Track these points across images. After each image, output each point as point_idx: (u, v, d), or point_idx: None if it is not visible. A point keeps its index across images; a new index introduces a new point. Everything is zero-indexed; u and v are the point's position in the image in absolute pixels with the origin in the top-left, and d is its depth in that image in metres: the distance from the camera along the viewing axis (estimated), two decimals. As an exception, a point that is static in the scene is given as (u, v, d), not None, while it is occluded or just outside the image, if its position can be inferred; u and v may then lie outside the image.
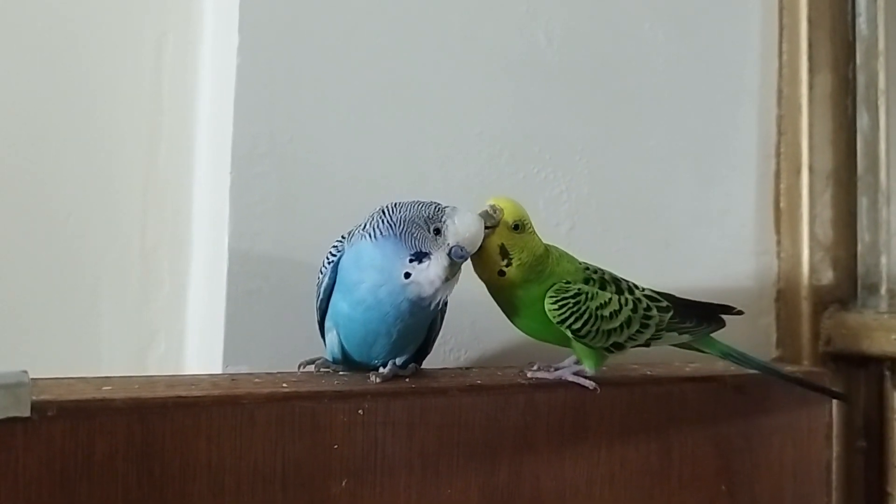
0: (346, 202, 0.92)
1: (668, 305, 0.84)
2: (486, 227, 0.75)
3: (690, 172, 1.17)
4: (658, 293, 0.85)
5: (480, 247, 0.75)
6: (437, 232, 0.72)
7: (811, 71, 1.20)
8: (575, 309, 0.78)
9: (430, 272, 0.71)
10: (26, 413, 0.55)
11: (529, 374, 0.83)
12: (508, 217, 0.76)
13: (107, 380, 0.67)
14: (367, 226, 0.74)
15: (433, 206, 0.74)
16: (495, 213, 0.76)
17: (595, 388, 0.81)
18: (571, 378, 0.82)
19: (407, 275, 0.71)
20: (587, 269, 0.82)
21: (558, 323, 0.78)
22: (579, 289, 0.79)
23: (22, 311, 0.90)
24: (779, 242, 1.22)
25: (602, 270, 0.83)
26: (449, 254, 0.72)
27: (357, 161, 0.94)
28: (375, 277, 0.72)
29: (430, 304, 0.73)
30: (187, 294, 0.97)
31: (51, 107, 0.92)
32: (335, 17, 0.94)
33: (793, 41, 1.22)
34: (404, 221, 0.72)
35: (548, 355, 0.88)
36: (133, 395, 0.61)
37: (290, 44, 0.92)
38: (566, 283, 0.79)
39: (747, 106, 1.22)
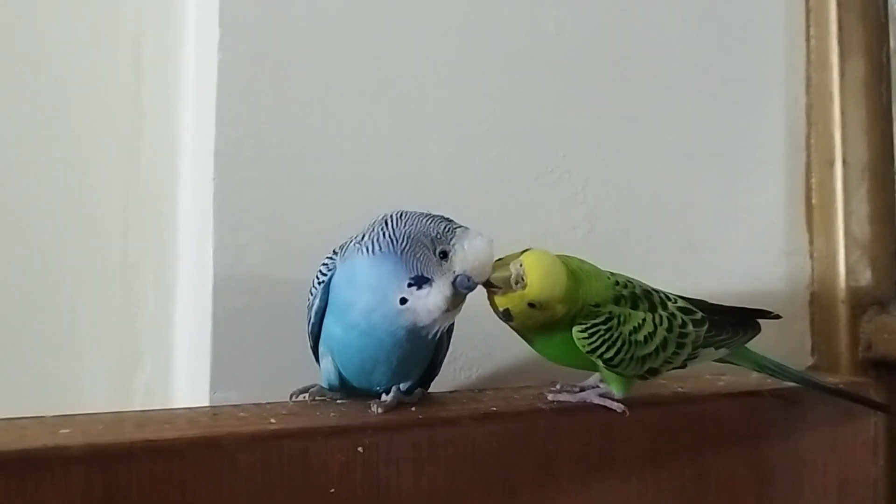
0: (340, 209, 0.84)
1: (702, 317, 0.76)
2: (494, 287, 0.67)
3: (715, 168, 1.08)
4: (690, 301, 0.77)
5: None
6: (444, 255, 0.64)
7: (842, 56, 1.12)
8: (606, 336, 0.69)
9: (429, 301, 0.63)
10: (-38, 468, 0.46)
11: (550, 397, 0.75)
12: (528, 294, 0.66)
13: (68, 419, 0.58)
14: (366, 237, 0.66)
15: (442, 224, 0.65)
16: (517, 283, 0.66)
17: (623, 411, 0.73)
18: (598, 401, 0.74)
19: (403, 300, 0.63)
20: (616, 283, 0.73)
21: (588, 352, 0.70)
22: (610, 312, 0.70)
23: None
24: (811, 241, 1.14)
25: (632, 282, 0.74)
26: (454, 282, 0.64)
27: (353, 163, 0.86)
28: (369, 299, 0.64)
29: (427, 335, 0.65)
30: (174, 312, 0.90)
31: (23, 112, 0.85)
32: (326, 4, 0.86)
33: (821, 24, 1.14)
34: (408, 238, 0.64)
35: (569, 371, 0.79)
36: (94, 439, 0.53)
37: (276, 36, 0.84)
38: (594, 306, 0.70)
39: (774, 95, 1.14)
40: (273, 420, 0.61)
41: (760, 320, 0.81)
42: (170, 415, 0.62)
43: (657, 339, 0.72)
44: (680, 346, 0.74)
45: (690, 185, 1.06)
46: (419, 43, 0.90)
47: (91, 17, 0.88)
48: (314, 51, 0.85)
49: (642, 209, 1.02)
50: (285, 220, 0.83)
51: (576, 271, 0.70)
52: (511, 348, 0.89)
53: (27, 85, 0.85)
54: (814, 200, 1.14)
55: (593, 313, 0.70)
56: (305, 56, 0.85)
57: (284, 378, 0.76)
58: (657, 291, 0.75)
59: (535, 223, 0.95)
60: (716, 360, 0.80)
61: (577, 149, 0.98)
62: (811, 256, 1.14)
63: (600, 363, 0.71)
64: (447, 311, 0.63)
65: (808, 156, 1.15)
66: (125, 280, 0.87)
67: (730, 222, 1.09)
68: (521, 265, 0.66)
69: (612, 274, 0.74)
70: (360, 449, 0.60)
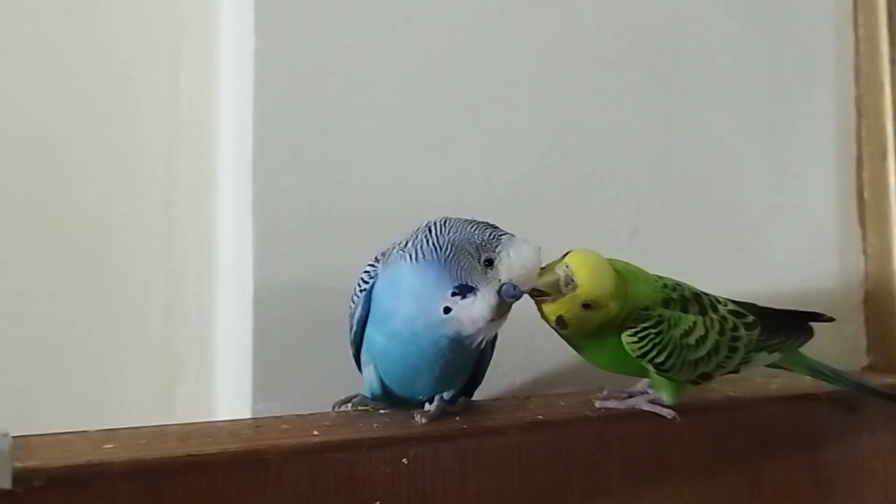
0: (380, 216, 0.83)
1: (754, 321, 0.73)
2: (544, 294, 0.65)
3: (762, 164, 1.05)
4: (741, 305, 0.75)
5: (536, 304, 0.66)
6: (489, 263, 0.62)
7: (892, 45, 1.09)
8: (657, 340, 0.67)
9: (473, 310, 0.61)
10: (6, 485, 0.46)
11: (598, 404, 0.73)
12: (580, 295, 0.64)
13: (111, 434, 0.58)
14: (409, 244, 0.65)
15: (488, 231, 0.64)
16: (567, 285, 0.64)
17: (674, 418, 0.71)
18: (647, 407, 0.72)
19: (447, 309, 0.62)
20: (665, 286, 0.71)
21: (639, 357, 0.68)
22: (660, 315, 0.68)
23: (37, 346, 0.82)
24: (864, 237, 1.11)
25: (680, 285, 0.72)
26: (499, 291, 0.62)
27: (392, 169, 0.85)
28: (411, 308, 0.63)
29: (471, 344, 0.63)
30: (216, 322, 0.89)
31: (63, 124, 0.85)
32: (362, 8, 0.85)
33: (869, 12, 1.10)
34: (452, 246, 0.63)
35: (616, 377, 0.77)
36: (137, 454, 0.52)
37: (313, 43, 0.83)
38: (643, 309, 0.68)
39: (822, 87, 1.10)
40: (316, 432, 0.60)
41: (813, 323, 0.78)
42: (212, 428, 0.61)
43: (709, 343, 0.70)
44: (732, 350, 0.71)
45: (737, 181, 1.03)
46: (457, 45, 0.89)
47: (128, 29, 0.87)
48: (351, 57, 0.84)
49: (688, 207, 0.99)
50: (325, 228, 0.82)
51: (622, 272, 0.68)
52: (555, 353, 0.87)
53: (67, 97, 0.85)
54: (866, 194, 1.10)
55: (643, 317, 0.67)
56: (343, 62, 0.84)
57: (327, 388, 0.74)
58: (707, 294, 0.73)
59: (577, 225, 0.93)
60: (769, 366, 0.78)
61: (618, 147, 0.96)
62: (864, 253, 1.10)
63: (651, 368, 0.69)
64: (492, 320, 0.62)
65: (859, 149, 1.11)
66: (167, 290, 0.87)
67: (779, 219, 1.06)
68: (567, 266, 0.65)
69: (659, 277, 0.72)
70: (404, 460, 0.59)
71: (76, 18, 0.86)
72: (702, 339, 0.69)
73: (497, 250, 0.62)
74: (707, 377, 0.71)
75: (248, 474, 0.53)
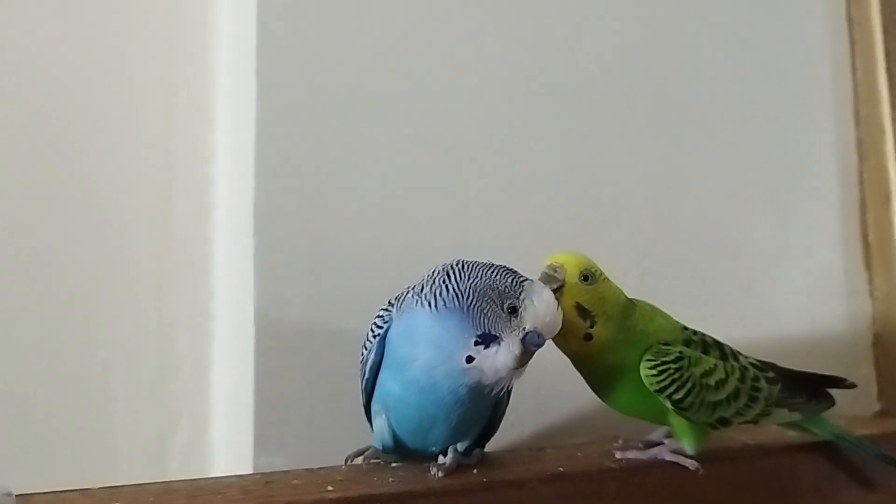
0: (386, 261, 0.81)
1: (775, 377, 0.72)
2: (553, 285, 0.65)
3: (768, 207, 1.05)
4: (762, 362, 0.74)
5: None
6: (513, 311, 0.60)
7: (891, 87, 1.10)
8: (677, 376, 0.65)
9: (497, 360, 0.59)
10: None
11: (619, 455, 0.70)
12: (573, 270, 0.66)
13: (115, 492, 0.54)
14: (427, 290, 0.62)
15: (509, 277, 0.62)
16: (556, 271, 0.66)
17: (697, 469, 0.68)
18: (670, 457, 0.69)
19: (469, 359, 0.59)
20: (685, 328, 0.70)
21: (657, 391, 0.66)
22: (681, 352, 0.67)
23: (24, 401, 0.79)
24: (870, 280, 1.10)
25: (700, 332, 0.71)
26: (523, 340, 0.60)
27: (397, 214, 0.83)
28: (431, 355, 0.60)
29: (490, 392, 0.61)
30: (211, 373, 0.86)
31: (54, 171, 0.83)
32: (363, 55, 0.84)
33: (867, 56, 1.11)
34: (474, 293, 0.60)
35: (625, 427, 0.76)
36: (143, 514, 0.49)
37: (316, 87, 0.82)
38: (664, 344, 0.67)
39: (823, 131, 1.11)
40: (331, 487, 0.56)
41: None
42: (220, 484, 0.58)
43: (729, 387, 0.68)
44: (752, 399, 0.70)
45: (743, 224, 1.03)
46: (462, 86, 0.88)
47: (124, 76, 0.86)
48: (354, 99, 0.83)
49: (695, 251, 0.99)
50: (329, 272, 0.79)
51: (635, 301, 0.69)
52: (565, 402, 0.85)
53: (57, 145, 0.83)
54: (870, 238, 1.10)
55: (663, 351, 0.66)
56: (345, 104, 0.83)
57: (331, 440, 0.72)
58: (728, 346, 0.72)
59: None
60: (786, 425, 0.76)
61: (624, 191, 0.95)
62: (871, 296, 1.09)
63: (669, 405, 0.67)
64: (515, 369, 0.60)
65: (862, 192, 1.11)
66: (160, 341, 0.84)
67: (786, 262, 1.05)
68: (548, 264, 0.67)
69: (681, 323, 0.71)
70: (422, 517, 0.55)
71: (74, 65, 0.84)
72: (722, 382, 0.68)
73: (521, 297, 0.60)
74: (725, 422, 0.69)
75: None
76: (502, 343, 0.59)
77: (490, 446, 0.74)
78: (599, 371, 0.68)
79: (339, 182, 0.81)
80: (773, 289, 1.03)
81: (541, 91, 0.93)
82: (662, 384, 0.65)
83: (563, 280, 0.65)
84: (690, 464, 0.68)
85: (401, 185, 0.84)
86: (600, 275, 0.67)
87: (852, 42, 1.12)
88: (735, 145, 1.04)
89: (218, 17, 0.89)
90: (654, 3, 1.01)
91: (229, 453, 0.82)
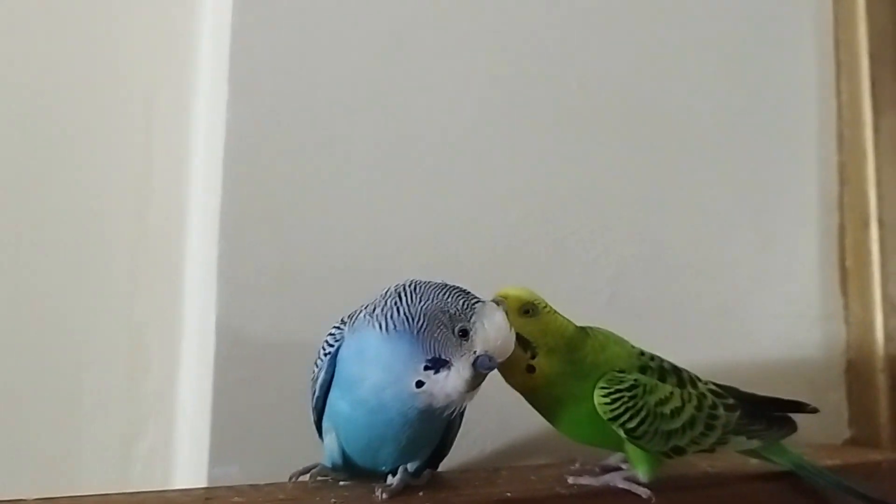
0: (352, 275, 0.80)
1: (734, 403, 0.71)
2: None
3: (745, 229, 1.04)
4: (721, 387, 0.73)
5: None
6: (464, 334, 0.60)
7: (875, 112, 1.08)
8: (631, 404, 0.65)
9: (447, 385, 0.59)
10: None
11: (571, 480, 0.69)
12: (514, 304, 0.66)
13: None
14: (378, 311, 0.62)
15: (461, 300, 0.61)
16: (499, 304, 0.64)
17: (650, 497, 0.67)
18: (623, 485, 0.68)
19: (419, 383, 0.59)
20: (641, 354, 0.69)
21: (610, 420, 0.65)
22: (636, 380, 0.66)
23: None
24: (846, 306, 1.09)
25: (659, 357, 0.70)
26: (474, 364, 0.59)
27: (365, 228, 0.82)
28: (381, 377, 0.60)
29: (441, 415, 0.60)
30: (178, 378, 0.85)
31: (30, 169, 0.82)
32: (338, 66, 0.83)
33: (853, 79, 1.10)
34: (425, 317, 0.60)
35: (589, 449, 0.74)
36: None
37: (287, 95, 0.81)
38: (619, 371, 0.66)
39: (805, 153, 1.09)
40: (269, 507, 0.56)
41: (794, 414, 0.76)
42: (161, 499, 0.57)
43: (685, 416, 0.68)
44: (709, 427, 0.69)
45: (720, 246, 1.01)
46: (435, 100, 0.87)
47: (103, 78, 0.85)
48: (326, 114, 0.82)
49: (669, 272, 0.97)
50: (293, 286, 0.79)
51: (588, 330, 0.68)
52: (527, 421, 0.81)
53: (35, 142, 0.82)
54: (848, 262, 1.09)
55: (617, 379, 0.66)
56: (318, 119, 0.82)
57: (289, 454, 0.70)
58: (687, 371, 0.71)
59: (556, 288, 0.86)
60: (746, 452, 0.75)
61: (597, 209, 0.94)
62: (846, 321, 1.08)
63: (622, 434, 0.66)
64: (465, 392, 0.59)
65: (842, 216, 1.10)
66: (130, 343, 0.84)
67: (762, 286, 1.04)
68: (492, 300, 0.65)
69: (635, 346, 0.70)
70: (360, 541, 0.55)
71: (48, 63, 0.83)
72: (677, 411, 0.67)
73: (472, 320, 0.60)
74: (680, 451, 0.69)
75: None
76: (452, 367, 0.59)
77: (450, 463, 0.73)
78: (548, 402, 0.67)
79: (307, 194, 0.80)
80: (750, 312, 1.02)
81: (517, 103, 0.91)
82: (616, 412, 0.65)
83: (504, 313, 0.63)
84: (643, 492, 0.67)
85: (369, 202, 0.83)
86: (544, 307, 0.67)
87: (838, 64, 1.11)
88: (715, 164, 1.03)
89: (201, 18, 0.88)
90: (637, 18, 0.99)
91: (191, 461, 0.81)
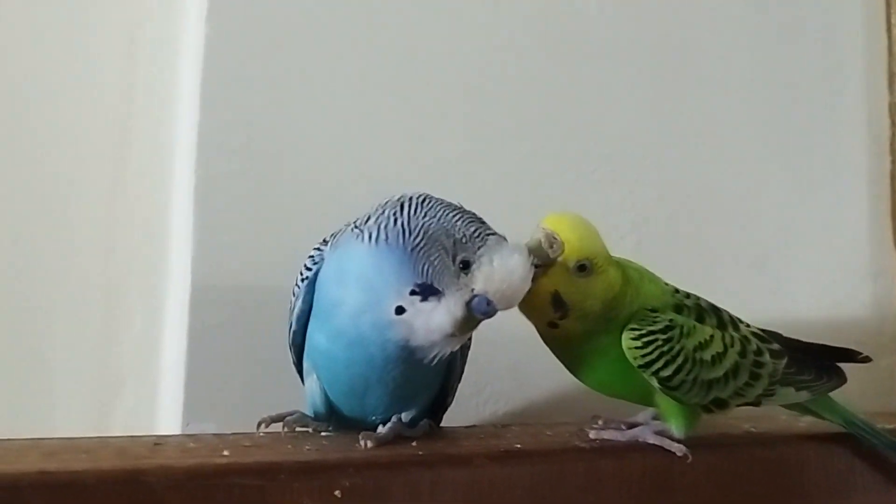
0: (338, 212, 0.71)
1: (780, 349, 0.62)
2: (534, 266, 0.53)
3: (784, 175, 0.95)
4: (764, 331, 0.63)
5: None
6: (465, 266, 0.50)
7: (931, 48, 0.98)
8: (666, 349, 0.55)
9: (431, 318, 0.49)
10: None
11: (593, 434, 0.60)
12: (571, 254, 0.54)
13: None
14: (371, 221, 0.52)
15: (473, 226, 0.52)
16: (552, 246, 0.54)
17: (685, 455, 0.58)
18: (653, 439, 0.59)
19: (400, 309, 0.50)
20: (676, 291, 0.60)
21: (641, 367, 0.56)
22: (671, 320, 0.57)
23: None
24: (900, 260, 0.99)
25: (695, 296, 0.61)
26: (469, 303, 0.50)
27: (352, 164, 0.75)
28: (360, 299, 0.51)
29: (422, 358, 0.51)
30: (162, 334, 0.78)
31: (3, 109, 0.77)
32: (314, 18, 0.76)
33: (904, 13, 1.00)
34: (424, 234, 0.51)
35: (615, 408, 0.65)
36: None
37: (267, 22, 0.75)
38: (651, 310, 0.56)
39: (852, 92, 1.00)
40: (226, 452, 0.47)
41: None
42: (94, 443, 0.48)
43: (727, 363, 0.58)
44: (754, 376, 0.60)
45: (757, 191, 0.93)
46: (433, 18, 0.80)
47: (85, 12, 0.80)
48: (309, 34, 0.76)
49: (701, 218, 0.89)
50: (274, 220, 0.72)
51: (627, 270, 0.58)
52: (546, 378, 0.76)
53: (9, 81, 0.77)
54: (901, 213, 0.99)
55: (650, 319, 0.56)
56: (299, 40, 0.75)
57: (275, 407, 0.62)
58: (727, 311, 0.62)
59: None
60: (792, 407, 0.66)
61: (623, 146, 0.86)
62: (900, 278, 0.98)
63: (656, 384, 0.56)
64: (452, 335, 0.50)
65: (893, 161, 1.00)
66: (107, 297, 0.77)
67: (804, 237, 0.95)
68: (545, 227, 0.54)
69: (673, 285, 0.61)
70: (337, 493, 0.46)
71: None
72: (719, 357, 0.58)
73: (478, 253, 0.50)
74: (722, 405, 0.59)
75: (121, 500, 0.40)
76: (443, 300, 0.49)
77: (451, 424, 0.64)
78: (570, 353, 0.59)
79: (289, 125, 0.74)
80: (788, 266, 0.94)
81: (533, 33, 0.84)
82: (648, 358, 0.55)
83: (555, 259, 0.54)
84: (677, 448, 0.58)
85: (359, 128, 0.76)
86: (600, 264, 0.56)
87: (888, -2, 1.01)
88: (752, 103, 0.94)
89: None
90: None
91: (172, 422, 0.73)
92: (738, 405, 0.61)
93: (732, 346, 0.59)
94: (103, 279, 0.77)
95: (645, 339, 0.55)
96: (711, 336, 0.58)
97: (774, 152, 0.95)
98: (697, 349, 0.57)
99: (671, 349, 0.56)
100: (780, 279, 0.93)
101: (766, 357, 0.60)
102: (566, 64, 0.84)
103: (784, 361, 0.62)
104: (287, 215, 0.72)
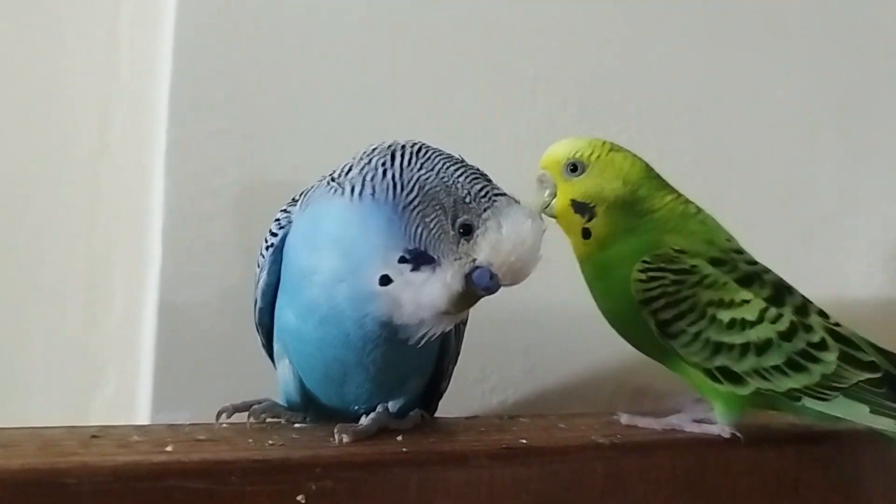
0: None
1: (872, 362, 0.53)
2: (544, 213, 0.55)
3: (835, 142, 0.90)
4: (864, 340, 0.55)
5: None
6: (467, 231, 0.43)
7: None
8: (671, 290, 0.52)
9: (422, 292, 0.42)
10: None
11: (625, 420, 0.56)
12: (555, 167, 0.56)
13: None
14: (354, 172, 0.44)
15: (478, 184, 0.44)
16: (543, 180, 0.57)
17: (735, 435, 0.53)
18: (692, 428, 0.53)
19: (385, 279, 0.42)
20: (733, 249, 0.55)
21: (641, 303, 0.52)
22: (693, 266, 0.53)
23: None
24: (961, 235, 0.92)
25: (763, 266, 0.55)
26: (469, 276, 0.42)
27: (353, 110, 0.69)
28: (335, 266, 0.43)
29: (406, 338, 0.43)
30: (142, 321, 0.73)
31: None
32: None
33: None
34: (420, 190, 0.43)
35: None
36: None
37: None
38: (677, 250, 0.53)
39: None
40: (169, 448, 0.39)
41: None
42: (25, 435, 0.41)
43: (753, 334, 0.52)
44: (794, 365, 0.52)
45: (805, 161, 0.88)
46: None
47: None
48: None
49: (741, 186, 0.84)
50: (260, 187, 0.67)
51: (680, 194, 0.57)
52: (563, 363, 0.72)
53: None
54: (964, 181, 0.92)
55: (667, 256, 0.53)
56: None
57: (257, 394, 0.56)
58: (802, 296, 0.56)
59: None
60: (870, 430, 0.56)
61: (653, 104, 0.81)
62: (962, 254, 0.92)
63: (653, 325, 0.52)
64: (446, 313, 0.42)
65: (958, 129, 0.94)
66: (87, 283, 0.73)
67: (856, 209, 0.90)
68: (539, 175, 0.57)
69: (736, 243, 0.57)
70: (300, 498, 0.38)
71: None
72: (742, 324, 0.52)
73: (484, 216, 0.43)
74: (734, 379, 0.53)
75: (39, 500, 0.33)
76: (438, 270, 0.42)
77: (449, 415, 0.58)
78: (596, 267, 0.55)
79: (272, 75, 0.69)
80: (838, 242, 0.89)
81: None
82: (649, 294, 0.52)
83: (553, 182, 0.56)
84: (724, 431, 0.53)
85: (363, 74, 0.71)
86: (594, 153, 0.55)
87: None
88: (799, 63, 0.89)
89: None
90: None
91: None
92: (765, 391, 0.53)
93: (774, 322, 0.52)
94: (83, 265, 0.72)
95: (651, 273, 0.52)
96: (746, 301, 0.52)
97: (825, 117, 0.91)
98: (714, 305, 0.52)
99: (677, 292, 0.52)
100: (828, 254, 0.89)
101: (831, 357, 0.53)
102: (592, 15, 0.80)
103: (867, 376, 0.53)
104: (263, 199, 0.65)
